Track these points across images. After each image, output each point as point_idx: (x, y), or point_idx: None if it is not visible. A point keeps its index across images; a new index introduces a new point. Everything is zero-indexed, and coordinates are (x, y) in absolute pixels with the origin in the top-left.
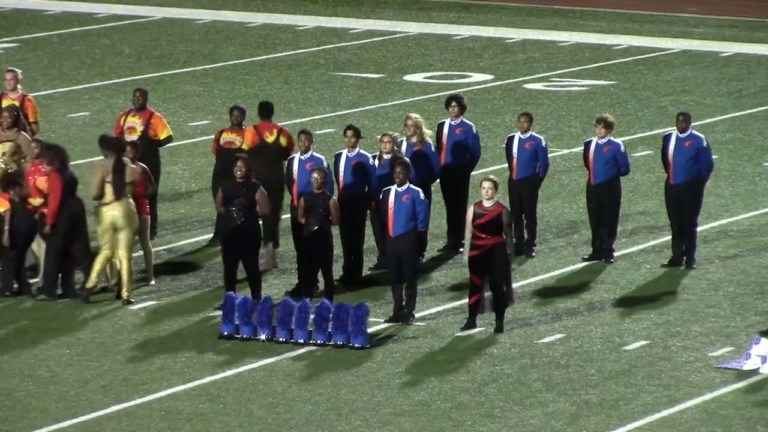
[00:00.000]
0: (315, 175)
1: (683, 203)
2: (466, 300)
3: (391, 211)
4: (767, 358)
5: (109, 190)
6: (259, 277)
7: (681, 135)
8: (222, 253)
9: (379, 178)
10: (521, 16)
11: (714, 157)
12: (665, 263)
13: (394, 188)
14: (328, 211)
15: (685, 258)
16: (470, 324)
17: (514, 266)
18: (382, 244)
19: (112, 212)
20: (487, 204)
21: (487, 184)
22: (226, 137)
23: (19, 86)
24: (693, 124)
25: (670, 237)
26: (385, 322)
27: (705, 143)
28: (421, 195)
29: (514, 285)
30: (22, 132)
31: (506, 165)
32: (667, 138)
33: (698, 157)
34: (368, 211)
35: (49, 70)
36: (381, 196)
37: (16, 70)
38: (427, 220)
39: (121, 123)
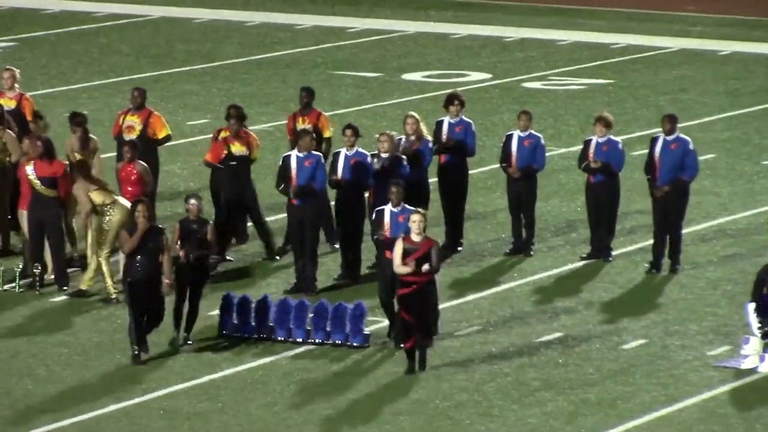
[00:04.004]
0: (192, 201)
1: (668, 206)
2: (462, 300)
3: (387, 233)
4: (765, 356)
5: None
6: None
7: (667, 138)
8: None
9: (375, 176)
10: (519, 14)
11: (712, 155)
12: (647, 266)
13: (388, 209)
14: (205, 237)
15: (670, 262)
16: (412, 369)
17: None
18: None
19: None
20: (416, 238)
21: (416, 218)
22: (225, 136)
23: (16, 85)
24: (691, 123)
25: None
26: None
27: (691, 146)
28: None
29: (512, 284)
30: (8, 130)
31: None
32: (654, 140)
33: (684, 160)
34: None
35: (47, 69)
36: (375, 215)
37: (14, 68)
38: None
39: (119, 122)
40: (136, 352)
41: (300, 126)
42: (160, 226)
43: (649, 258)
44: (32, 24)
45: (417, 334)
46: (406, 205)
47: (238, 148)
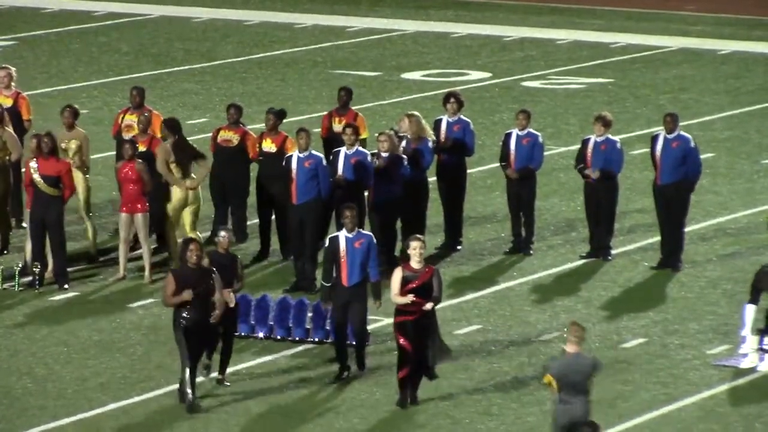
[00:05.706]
0: (223, 233)
1: (670, 204)
2: (461, 299)
3: (344, 260)
4: (765, 356)
5: (174, 169)
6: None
7: (668, 136)
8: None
9: (375, 176)
10: (519, 14)
11: (712, 154)
12: (654, 266)
13: (342, 234)
14: (235, 272)
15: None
16: (404, 401)
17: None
18: (382, 241)
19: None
20: (416, 266)
21: (417, 244)
22: (224, 135)
23: (13, 84)
24: (691, 122)
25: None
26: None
27: (692, 144)
28: (374, 240)
29: (511, 283)
30: (7, 128)
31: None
32: (654, 139)
33: (686, 159)
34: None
35: (47, 68)
36: (328, 243)
37: (10, 67)
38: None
39: (119, 121)
40: (191, 399)
41: (336, 126)
42: (210, 267)
43: (649, 257)
44: (32, 23)
45: (411, 365)
46: (361, 230)
47: (268, 145)
